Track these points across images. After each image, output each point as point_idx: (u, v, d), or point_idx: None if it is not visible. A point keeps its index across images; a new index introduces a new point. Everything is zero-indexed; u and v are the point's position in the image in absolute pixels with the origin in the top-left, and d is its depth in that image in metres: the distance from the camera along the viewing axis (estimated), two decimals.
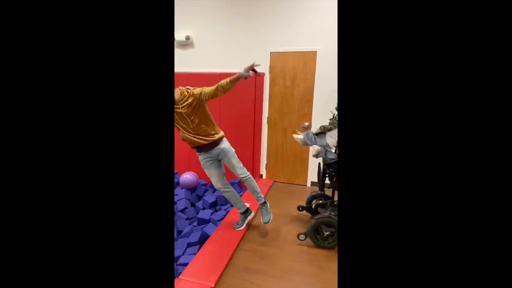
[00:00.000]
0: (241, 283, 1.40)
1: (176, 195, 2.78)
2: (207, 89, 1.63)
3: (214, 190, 2.94)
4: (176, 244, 2.01)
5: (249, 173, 1.89)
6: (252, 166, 2.96)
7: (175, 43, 3.01)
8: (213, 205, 2.64)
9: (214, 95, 1.64)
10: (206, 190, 2.93)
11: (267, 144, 2.98)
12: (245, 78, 1.60)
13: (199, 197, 2.83)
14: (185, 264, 1.73)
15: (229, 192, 1.90)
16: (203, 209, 2.57)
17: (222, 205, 2.64)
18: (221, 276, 1.43)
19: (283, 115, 2.88)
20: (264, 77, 2.80)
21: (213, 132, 1.73)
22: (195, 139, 1.71)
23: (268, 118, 2.92)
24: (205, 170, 1.85)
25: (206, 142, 1.73)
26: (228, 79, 1.60)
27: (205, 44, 2.97)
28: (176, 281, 1.38)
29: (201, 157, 1.82)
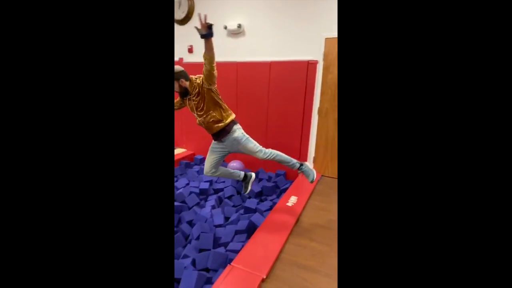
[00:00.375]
0: (292, 278, 1.36)
1: (223, 182, 2.85)
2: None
3: (259, 180, 2.94)
4: (224, 230, 2.07)
5: (270, 150, 1.84)
6: (299, 158, 2.86)
7: (226, 32, 3.01)
8: (259, 195, 2.64)
9: (205, 76, 1.60)
10: None
11: (316, 136, 2.84)
12: (211, 35, 1.44)
13: None
14: (234, 251, 1.76)
15: (219, 173, 1.94)
16: (249, 197, 2.59)
17: (268, 195, 2.63)
18: (271, 268, 1.41)
19: (335, 106, 2.69)
20: (317, 65, 2.64)
21: (221, 118, 1.71)
22: (208, 125, 1.73)
23: (319, 109, 2.76)
24: (208, 152, 1.90)
25: (217, 129, 1.73)
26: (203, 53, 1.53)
27: (257, 32, 2.91)
28: (228, 267, 1.40)
29: (214, 142, 1.85)
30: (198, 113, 1.72)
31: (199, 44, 3.29)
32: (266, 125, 3.01)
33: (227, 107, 1.77)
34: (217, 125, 1.71)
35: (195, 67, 3.53)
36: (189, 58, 3.40)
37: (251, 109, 3.05)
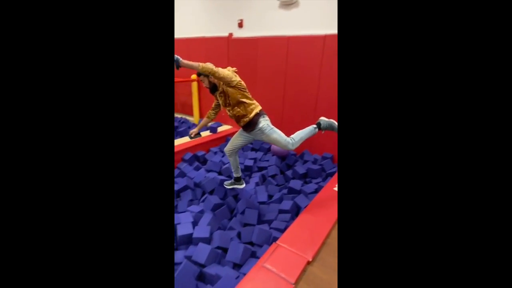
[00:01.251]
0: None
1: (267, 160, 2.86)
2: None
3: (304, 162, 2.87)
4: (267, 207, 2.10)
5: (295, 138, 1.84)
6: None
7: (279, 3, 2.83)
8: (303, 177, 2.59)
9: (215, 79, 1.70)
10: (296, 161, 2.90)
11: None
12: (177, 65, 1.53)
13: (289, 166, 2.84)
14: (278, 230, 1.79)
15: (232, 158, 2.06)
16: (293, 178, 2.56)
17: (313, 178, 2.56)
18: (317, 252, 1.39)
19: None
20: None
21: (245, 113, 1.77)
22: (236, 118, 1.82)
23: None
24: (236, 133, 1.99)
25: (244, 123, 1.81)
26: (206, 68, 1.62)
27: (311, 2, 2.67)
28: (274, 245, 1.43)
29: (241, 130, 1.95)
30: (227, 108, 1.82)
31: (250, 18, 3.18)
32: (316, 104, 2.86)
33: (251, 100, 1.80)
34: (243, 119, 1.80)
35: (245, 42, 3.46)
36: (238, 33, 3.33)
37: (300, 86, 2.91)
